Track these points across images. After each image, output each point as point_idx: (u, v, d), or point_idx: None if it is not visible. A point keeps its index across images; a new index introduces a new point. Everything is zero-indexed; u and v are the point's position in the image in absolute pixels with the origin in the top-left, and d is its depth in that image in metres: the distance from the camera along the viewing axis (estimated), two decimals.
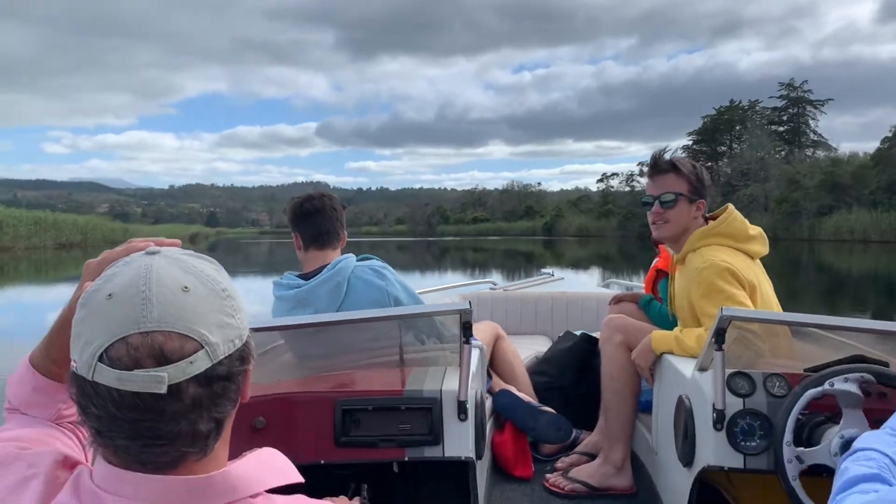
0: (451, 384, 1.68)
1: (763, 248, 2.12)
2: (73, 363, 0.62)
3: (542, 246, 42.98)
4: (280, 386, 1.73)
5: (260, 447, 0.68)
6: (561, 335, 3.23)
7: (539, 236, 62.77)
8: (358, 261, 2.05)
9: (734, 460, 1.56)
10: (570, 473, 2.31)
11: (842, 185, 37.88)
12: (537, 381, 2.77)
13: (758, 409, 1.56)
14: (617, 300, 2.69)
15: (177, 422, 0.60)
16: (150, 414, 0.59)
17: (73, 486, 0.63)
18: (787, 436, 1.44)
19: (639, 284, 3.77)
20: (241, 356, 0.65)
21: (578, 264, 23.07)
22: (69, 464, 0.68)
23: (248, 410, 0.67)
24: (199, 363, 0.60)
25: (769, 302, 2.05)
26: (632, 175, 63.37)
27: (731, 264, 1.95)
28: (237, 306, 0.66)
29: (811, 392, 1.44)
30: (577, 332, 3.06)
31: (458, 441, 1.65)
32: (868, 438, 0.90)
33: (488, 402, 2.39)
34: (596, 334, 2.77)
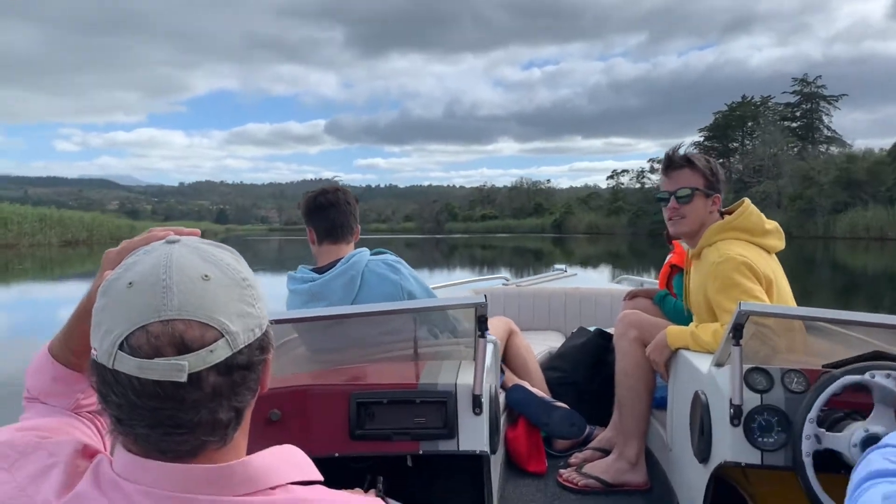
0: (465, 378, 1.68)
1: (779, 242, 2.11)
2: (93, 351, 0.62)
3: (551, 243, 42.87)
4: (295, 379, 1.74)
5: (275, 439, 0.68)
6: (574, 331, 3.21)
7: (548, 234, 62.60)
8: (372, 255, 2.05)
9: (751, 456, 1.54)
10: (584, 469, 2.30)
11: (857, 182, 37.43)
12: (550, 377, 2.76)
13: (776, 405, 1.54)
14: (631, 296, 2.68)
15: (197, 410, 0.60)
16: (171, 402, 0.59)
17: (93, 474, 0.63)
18: (812, 413, 1.43)
19: (652, 280, 3.75)
20: (261, 345, 0.65)
21: (589, 262, 22.96)
22: (88, 453, 0.68)
23: (263, 403, 0.67)
24: (220, 352, 0.60)
25: (785, 297, 2.03)
26: (642, 172, 63.00)
27: (747, 258, 1.94)
28: (257, 295, 0.66)
29: (850, 378, 1.42)
30: (591, 328, 3.05)
31: (473, 435, 1.64)
32: None
33: (501, 397, 2.38)
34: (610, 330, 2.76)
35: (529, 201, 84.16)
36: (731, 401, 1.55)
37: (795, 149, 50.83)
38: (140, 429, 0.60)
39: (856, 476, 0.82)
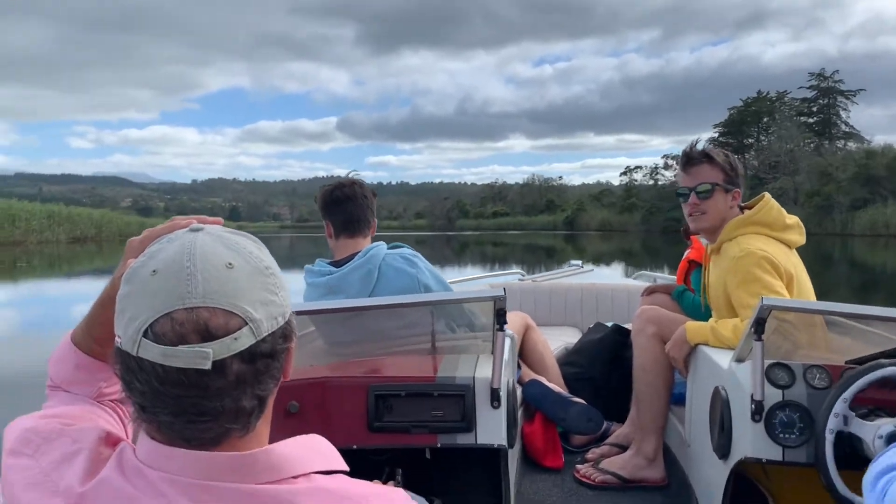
0: (483, 371, 1.67)
1: (800, 237, 2.09)
2: (117, 339, 0.62)
3: (563, 240, 42.68)
4: (313, 371, 1.74)
5: (293, 431, 0.67)
6: (591, 326, 3.20)
7: (560, 231, 62.31)
8: (389, 249, 2.05)
9: (773, 452, 1.53)
10: (601, 465, 2.29)
11: (877, 178, 36.85)
12: (567, 372, 2.75)
13: (797, 401, 1.53)
14: (649, 291, 2.67)
15: (221, 398, 0.60)
16: (195, 390, 0.59)
17: (116, 461, 0.63)
18: (838, 407, 1.41)
19: (669, 276, 3.72)
20: (284, 334, 0.65)
21: (602, 259, 22.82)
22: (112, 440, 0.68)
23: (281, 394, 0.67)
24: (244, 340, 0.60)
25: (806, 292, 2.01)
26: (656, 168, 62.51)
27: (768, 253, 1.92)
28: (280, 284, 0.65)
29: (885, 371, 1.39)
30: (608, 324, 3.03)
31: (491, 428, 1.64)
32: None
33: (518, 392, 2.38)
34: (627, 326, 2.74)
35: (541, 198, 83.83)
36: (752, 396, 1.54)
37: (812, 144, 50.18)
38: (164, 416, 0.60)
39: (877, 466, 0.80)
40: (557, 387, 2.53)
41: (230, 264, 0.62)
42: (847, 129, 52.80)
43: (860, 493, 1.20)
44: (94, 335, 0.81)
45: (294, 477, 0.62)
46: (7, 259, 22.24)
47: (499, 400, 1.63)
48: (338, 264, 2.02)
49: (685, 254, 2.76)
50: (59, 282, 16.68)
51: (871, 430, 1.37)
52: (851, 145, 48.96)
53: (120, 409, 0.82)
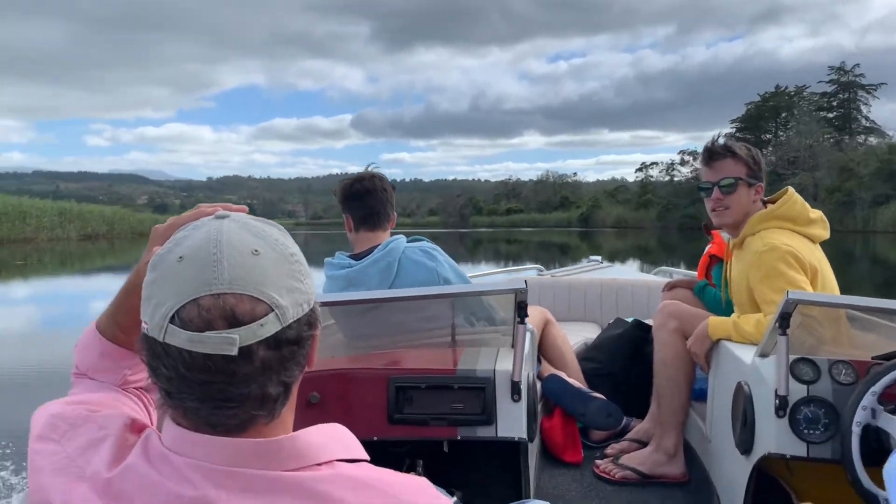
0: (504, 364, 1.66)
1: (824, 231, 2.07)
2: (143, 325, 0.62)
3: (578, 237, 42.48)
4: (334, 362, 1.74)
5: (314, 422, 0.67)
6: (611, 322, 3.17)
7: (575, 227, 61.98)
8: (408, 242, 2.04)
9: (797, 448, 1.51)
10: (621, 460, 2.28)
11: None
12: (586, 367, 2.73)
13: (823, 397, 1.50)
14: (671, 286, 2.64)
15: (247, 384, 0.59)
16: (221, 376, 0.58)
17: (142, 447, 0.63)
18: (866, 400, 1.39)
19: (689, 272, 3.67)
20: (309, 321, 0.64)
21: (617, 256, 22.64)
22: (137, 427, 0.68)
23: (302, 385, 0.67)
24: (270, 326, 0.59)
25: (831, 287, 1.99)
26: (672, 164, 61.96)
27: (792, 247, 1.90)
28: (305, 271, 0.65)
29: None
30: (629, 319, 3.00)
31: (511, 421, 1.63)
32: None
33: (538, 386, 2.36)
34: (648, 321, 2.71)
35: (555, 195, 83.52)
36: (776, 391, 1.52)
37: (832, 140, 49.39)
38: (190, 402, 0.60)
39: None
40: (577, 382, 2.52)
41: (256, 251, 0.61)
42: (868, 124, 51.94)
43: (885, 489, 1.17)
44: (119, 323, 0.82)
45: (318, 464, 0.62)
46: (19, 254, 22.51)
47: (519, 393, 1.62)
48: (357, 257, 2.02)
49: (706, 248, 2.73)
50: (70, 279, 16.76)
51: None
52: (872, 140, 48.12)
53: (144, 396, 0.83)
